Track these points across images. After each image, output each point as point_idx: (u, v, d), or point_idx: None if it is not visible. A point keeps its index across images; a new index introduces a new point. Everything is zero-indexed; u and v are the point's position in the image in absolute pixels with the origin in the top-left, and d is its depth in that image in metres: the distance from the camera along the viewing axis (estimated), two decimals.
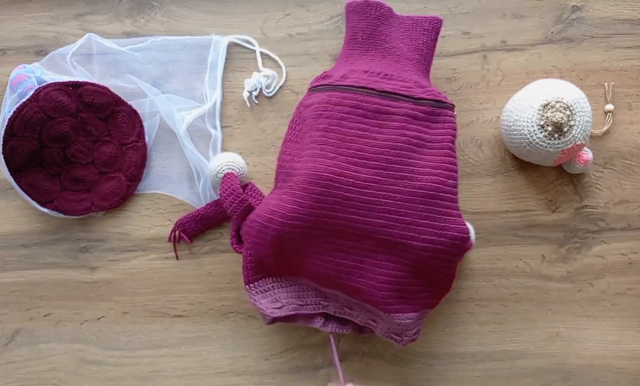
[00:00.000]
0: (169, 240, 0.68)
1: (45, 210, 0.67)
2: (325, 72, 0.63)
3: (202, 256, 0.69)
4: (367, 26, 0.62)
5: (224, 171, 0.64)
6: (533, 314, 0.67)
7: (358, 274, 0.58)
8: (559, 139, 0.61)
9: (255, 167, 0.69)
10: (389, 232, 0.56)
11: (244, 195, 0.62)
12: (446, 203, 0.57)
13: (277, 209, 0.57)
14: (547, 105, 0.61)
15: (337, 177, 0.56)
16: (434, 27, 0.63)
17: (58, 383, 0.68)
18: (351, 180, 0.56)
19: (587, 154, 0.64)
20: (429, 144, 0.58)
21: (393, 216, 0.56)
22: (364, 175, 0.56)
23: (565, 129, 0.60)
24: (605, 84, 0.69)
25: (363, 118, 0.57)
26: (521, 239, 0.68)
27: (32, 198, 0.67)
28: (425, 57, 0.62)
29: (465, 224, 0.57)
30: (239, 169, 0.65)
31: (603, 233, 0.68)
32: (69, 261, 0.69)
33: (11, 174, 0.65)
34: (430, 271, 0.57)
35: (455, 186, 0.58)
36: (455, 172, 0.58)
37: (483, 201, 0.68)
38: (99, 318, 0.69)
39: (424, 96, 0.58)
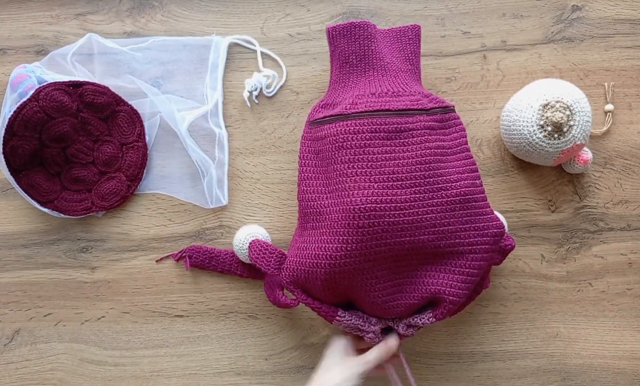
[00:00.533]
0: (173, 257, 0.68)
1: (45, 210, 0.67)
2: (322, 102, 0.62)
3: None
4: (359, 48, 0.61)
5: (248, 240, 0.64)
6: (532, 314, 0.67)
7: (410, 290, 0.58)
8: (559, 139, 0.61)
9: (256, 167, 0.69)
10: (436, 244, 0.56)
11: (276, 247, 0.62)
12: (480, 203, 0.57)
13: (321, 252, 0.56)
14: (547, 105, 0.61)
15: (379, 206, 0.54)
16: (416, 35, 0.64)
17: (58, 383, 0.68)
18: (392, 205, 0.55)
19: (587, 154, 0.64)
20: (449, 150, 0.58)
21: (438, 228, 0.56)
22: (403, 196, 0.55)
23: (565, 129, 0.60)
24: (605, 84, 0.69)
25: (386, 141, 0.56)
26: (521, 239, 0.68)
27: (32, 198, 0.67)
28: (415, 65, 0.64)
29: (499, 219, 0.58)
30: (262, 237, 0.65)
31: (602, 233, 0.68)
32: (69, 261, 0.69)
33: (11, 174, 0.65)
34: (477, 272, 0.57)
35: (482, 184, 0.59)
36: (478, 171, 0.59)
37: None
38: (99, 318, 0.69)
39: (432, 105, 0.59)
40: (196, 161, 0.68)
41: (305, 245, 0.58)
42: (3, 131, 0.64)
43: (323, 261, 0.55)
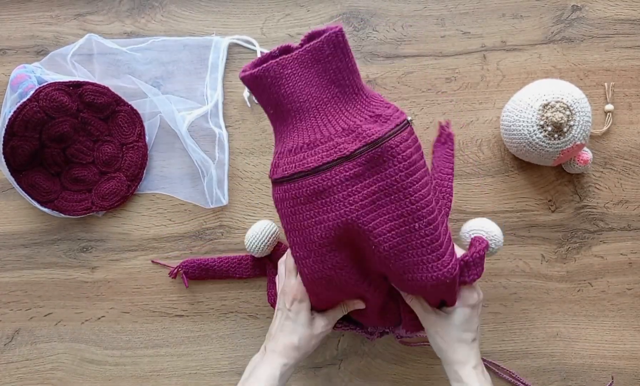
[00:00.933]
0: (170, 275, 0.68)
1: (45, 210, 0.67)
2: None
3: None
4: (270, 97, 0.52)
5: (272, 243, 0.65)
6: (533, 314, 0.67)
7: (394, 309, 0.59)
8: (559, 139, 0.61)
9: (256, 167, 0.69)
10: (390, 287, 0.56)
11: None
12: (418, 250, 0.50)
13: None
14: (547, 105, 0.61)
15: (320, 274, 0.52)
16: (336, 45, 0.50)
17: (58, 383, 0.68)
18: (335, 267, 0.52)
19: (587, 154, 0.64)
20: (383, 193, 0.49)
21: (384, 274, 0.54)
22: (341, 256, 0.52)
23: (565, 129, 0.60)
24: (605, 84, 0.69)
25: (308, 204, 0.50)
26: (521, 239, 0.68)
27: (33, 198, 0.67)
28: (345, 81, 0.51)
29: (448, 265, 0.50)
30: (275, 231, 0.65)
31: (603, 233, 0.68)
32: (69, 261, 0.69)
33: (11, 174, 0.65)
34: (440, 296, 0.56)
35: (430, 224, 0.49)
36: (424, 208, 0.49)
37: (483, 201, 0.68)
38: (99, 318, 0.69)
39: (356, 146, 0.49)
40: (196, 161, 0.68)
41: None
42: (3, 131, 0.64)
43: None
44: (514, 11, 0.70)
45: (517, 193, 0.68)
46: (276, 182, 0.52)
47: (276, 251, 0.66)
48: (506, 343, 0.67)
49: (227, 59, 0.70)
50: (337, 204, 0.49)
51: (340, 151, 0.49)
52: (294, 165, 0.50)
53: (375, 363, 0.67)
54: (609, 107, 0.68)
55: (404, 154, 0.49)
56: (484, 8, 0.70)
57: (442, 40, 0.70)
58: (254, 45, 0.70)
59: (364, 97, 0.52)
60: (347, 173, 0.49)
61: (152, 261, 0.69)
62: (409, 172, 0.49)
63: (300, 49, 0.50)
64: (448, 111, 0.69)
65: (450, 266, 0.50)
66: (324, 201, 0.50)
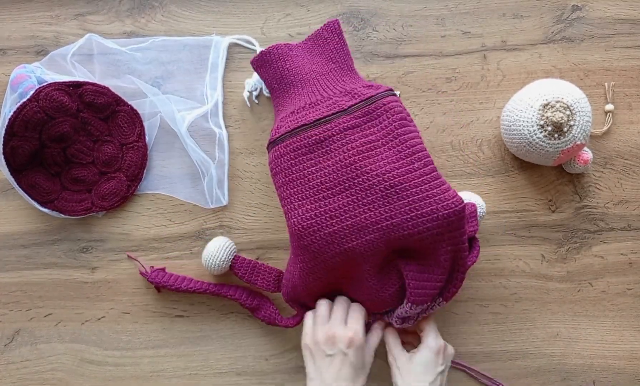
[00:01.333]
0: (140, 272, 0.68)
1: (45, 210, 0.67)
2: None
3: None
4: (275, 71, 0.62)
5: (228, 258, 0.65)
6: (533, 314, 0.67)
7: (389, 284, 0.58)
8: (559, 139, 0.61)
9: (256, 167, 0.69)
10: (387, 239, 0.54)
11: (267, 265, 0.66)
12: (421, 187, 0.53)
13: (294, 273, 0.59)
14: (547, 105, 0.61)
15: (313, 220, 0.55)
16: (333, 31, 0.62)
17: (58, 383, 0.68)
18: (326, 215, 0.55)
19: (587, 154, 0.64)
20: (379, 142, 0.56)
21: (381, 224, 0.54)
22: (335, 204, 0.55)
23: (565, 129, 0.60)
24: (605, 84, 0.69)
25: (309, 154, 0.56)
26: (521, 239, 0.68)
27: (33, 198, 0.67)
28: (341, 59, 0.62)
29: (455, 198, 0.53)
30: (232, 248, 0.66)
31: (603, 233, 0.68)
32: (69, 261, 0.69)
33: (11, 174, 0.65)
34: (436, 260, 0.56)
35: (427, 165, 0.54)
36: (419, 152, 0.55)
37: (483, 201, 0.68)
38: (99, 318, 0.69)
39: (352, 102, 0.57)
40: (196, 161, 0.68)
41: (288, 267, 0.62)
42: (3, 131, 0.64)
43: (297, 281, 0.59)
44: (514, 11, 0.70)
45: (517, 192, 0.68)
46: (277, 140, 0.57)
47: (233, 266, 0.66)
48: (506, 343, 0.67)
49: (227, 59, 0.70)
50: (337, 151, 0.55)
51: (339, 106, 0.57)
52: (296, 121, 0.57)
53: (375, 363, 0.67)
54: (609, 107, 0.68)
55: (396, 109, 0.57)
56: (484, 8, 0.70)
57: (442, 40, 0.70)
58: (254, 45, 0.70)
59: (357, 75, 0.62)
60: (346, 124, 0.56)
61: (128, 255, 0.68)
62: (401, 123, 0.56)
63: (307, 37, 0.63)
64: (448, 110, 0.69)
65: (456, 196, 0.54)
66: (324, 150, 0.56)
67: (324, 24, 0.62)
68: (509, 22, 0.70)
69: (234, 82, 0.70)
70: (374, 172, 0.54)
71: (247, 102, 0.70)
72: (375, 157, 0.55)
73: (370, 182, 0.54)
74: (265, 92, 0.69)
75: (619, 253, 0.68)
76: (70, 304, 0.69)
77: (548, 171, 0.68)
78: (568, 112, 0.60)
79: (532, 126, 0.61)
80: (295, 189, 0.56)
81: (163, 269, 0.68)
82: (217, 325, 0.68)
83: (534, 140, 0.61)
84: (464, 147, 0.69)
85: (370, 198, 0.54)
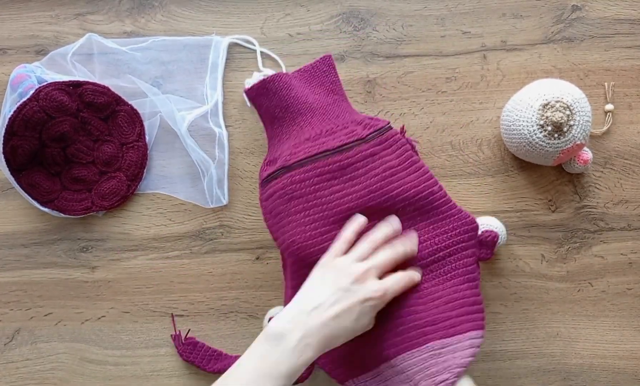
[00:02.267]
0: (172, 338, 0.68)
1: (45, 210, 0.67)
2: (265, 160, 0.61)
3: (202, 256, 0.69)
4: (280, 100, 0.61)
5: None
6: (533, 314, 0.67)
7: (417, 311, 0.58)
8: (559, 139, 0.61)
9: (256, 167, 0.69)
10: (419, 257, 0.59)
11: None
12: (443, 206, 0.59)
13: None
14: (547, 105, 0.61)
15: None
16: (329, 65, 0.63)
17: (58, 383, 0.68)
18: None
19: (587, 154, 0.64)
20: (399, 167, 0.58)
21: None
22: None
23: (565, 129, 0.60)
24: (605, 84, 0.69)
25: (334, 181, 0.58)
26: (521, 239, 0.68)
27: (33, 198, 0.67)
28: (339, 94, 0.63)
29: (469, 216, 0.60)
30: None
31: (603, 233, 0.68)
32: (70, 260, 0.69)
33: (11, 173, 0.65)
34: (463, 271, 0.59)
35: (442, 188, 0.60)
36: (434, 177, 0.59)
37: (483, 201, 0.68)
38: (99, 318, 0.69)
39: (367, 131, 0.59)
40: (196, 161, 0.68)
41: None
42: (3, 131, 0.64)
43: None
44: (514, 11, 0.70)
45: (517, 192, 0.68)
46: (294, 165, 0.58)
47: None
48: (506, 343, 0.67)
49: (227, 59, 0.70)
50: (363, 177, 0.58)
51: (357, 134, 0.58)
52: (317, 147, 0.58)
53: None
54: (609, 107, 0.68)
55: (403, 140, 0.60)
56: (484, 8, 0.70)
57: (442, 40, 0.70)
58: (254, 45, 0.70)
59: (350, 106, 0.64)
60: (366, 152, 0.58)
61: (172, 315, 0.68)
62: (411, 152, 0.59)
63: (298, 69, 0.63)
64: (448, 110, 0.69)
65: (471, 216, 0.60)
66: (349, 176, 0.58)
67: (320, 58, 0.63)
68: (509, 22, 0.70)
69: (234, 82, 0.70)
70: (400, 197, 0.58)
71: (247, 102, 0.70)
72: (399, 182, 0.58)
73: (398, 207, 0.58)
74: None
75: (619, 253, 0.68)
76: (70, 303, 0.69)
77: (548, 171, 0.68)
78: (568, 112, 0.60)
79: (532, 126, 0.61)
80: (321, 214, 0.57)
81: (194, 341, 0.67)
82: (217, 324, 0.68)
83: (533, 140, 0.61)
84: (463, 147, 0.69)
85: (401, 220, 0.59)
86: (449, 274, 0.59)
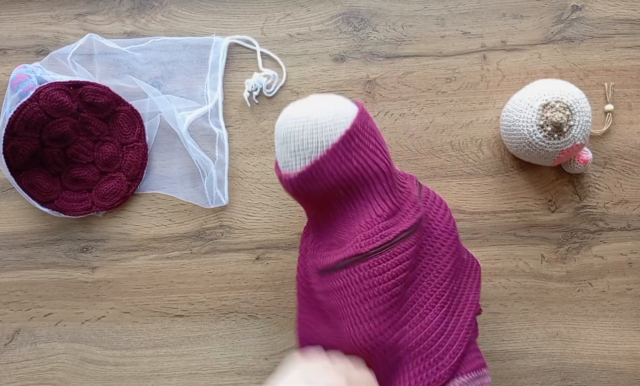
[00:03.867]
0: None
1: (45, 210, 0.67)
2: (318, 242, 0.55)
3: (202, 256, 0.69)
4: (340, 177, 0.50)
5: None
6: (532, 314, 0.67)
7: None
8: (559, 139, 0.61)
9: (256, 167, 0.69)
10: None
11: None
12: (473, 274, 0.58)
13: None
14: (546, 105, 0.61)
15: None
16: (366, 115, 0.52)
17: (58, 383, 0.68)
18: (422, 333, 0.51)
19: (587, 154, 0.64)
20: (438, 243, 0.55)
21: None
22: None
23: (564, 129, 0.60)
24: (605, 84, 0.69)
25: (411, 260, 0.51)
26: (521, 239, 0.68)
27: (33, 198, 0.67)
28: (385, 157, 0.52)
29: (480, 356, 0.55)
30: None
31: (602, 233, 0.68)
32: (70, 261, 0.69)
33: (12, 174, 0.65)
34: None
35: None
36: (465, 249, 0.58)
37: (483, 201, 0.68)
38: (99, 318, 0.69)
39: (418, 215, 0.52)
40: (196, 161, 0.68)
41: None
42: (3, 131, 0.64)
43: None
44: (514, 11, 0.70)
45: (517, 192, 0.68)
46: (386, 245, 0.49)
47: None
48: (506, 343, 0.68)
49: (227, 59, 0.70)
50: (447, 251, 0.54)
51: (414, 217, 0.52)
52: (393, 230, 0.50)
53: None
54: (609, 107, 0.68)
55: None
56: (484, 8, 0.70)
57: (442, 40, 0.70)
58: (254, 46, 0.70)
59: (396, 172, 0.55)
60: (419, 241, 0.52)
61: None
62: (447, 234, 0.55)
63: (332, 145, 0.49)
64: (448, 111, 0.69)
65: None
66: (434, 251, 0.54)
67: (357, 113, 0.51)
68: (508, 22, 0.70)
69: (234, 82, 0.70)
70: (465, 296, 0.55)
71: (247, 102, 0.70)
72: (436, 259, 0.54)
73: (462, 305, 0.54)
74: (266, 92, 0.69)
75: (619, 253, 0.68)
76: (71, 303, 0.69)
77: (548, 171, 0.68)
78: (568, 112, 0.60)
79: (532, 126, 0.61)
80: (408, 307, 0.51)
81: None
82: (217, 324, 0.68)
83: (533, 140, 0.61)
84: (463, 147, 0.69)
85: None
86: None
